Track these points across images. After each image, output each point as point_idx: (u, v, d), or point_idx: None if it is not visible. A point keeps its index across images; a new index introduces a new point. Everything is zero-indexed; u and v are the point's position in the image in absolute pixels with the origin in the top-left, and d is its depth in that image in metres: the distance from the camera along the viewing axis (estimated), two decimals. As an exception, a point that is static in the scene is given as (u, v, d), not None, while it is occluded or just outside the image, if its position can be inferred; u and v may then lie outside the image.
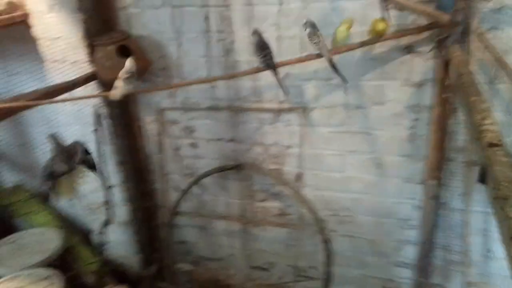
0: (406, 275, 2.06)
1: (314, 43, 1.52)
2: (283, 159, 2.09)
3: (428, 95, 1.68)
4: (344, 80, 1.61)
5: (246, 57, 1.88)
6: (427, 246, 1.88)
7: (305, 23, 1.53)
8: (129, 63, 1.68)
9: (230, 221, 2.38)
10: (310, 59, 1.60)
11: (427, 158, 1.76)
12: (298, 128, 1.97)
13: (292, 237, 2.26)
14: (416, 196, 1.88)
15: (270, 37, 1.73)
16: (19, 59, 2.47)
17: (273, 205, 2.23)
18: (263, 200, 2.25)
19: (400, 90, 1.72)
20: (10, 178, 3.13)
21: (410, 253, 2.01)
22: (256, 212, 2.29)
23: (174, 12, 1.94)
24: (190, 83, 2.03)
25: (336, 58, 1.57)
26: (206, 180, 2.30)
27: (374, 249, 2.09)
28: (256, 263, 2.46)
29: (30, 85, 2.39)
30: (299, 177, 2.08)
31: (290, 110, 1.95)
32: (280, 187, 2.16)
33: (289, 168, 2.10)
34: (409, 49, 1.65)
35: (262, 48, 1.58)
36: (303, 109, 1.92)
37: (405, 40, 1.63)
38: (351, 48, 1.59)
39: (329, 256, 2.11)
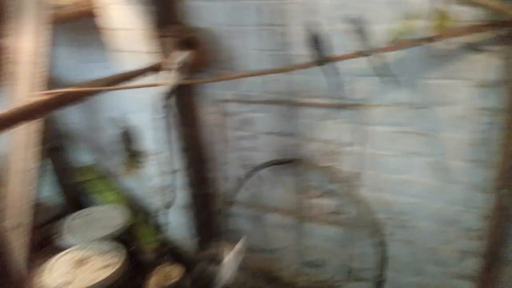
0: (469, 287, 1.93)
1: (360, 40, 1.48)
2: (340, 157, 2.04)
3: (501, 97, 1.54)
4: (383, 82, 1.53)
5: (303, 51, 1.85)
6: (492, 259, 1.74)
7: (351, 20, 1.48)
8: (181, 55, 1.75)
9: (284, 215, 2.39)
10: (354, 57, 1.55)
11: (497, 165, 1.62)
12: (357, 126, 1.91)
13: (347, 237, 2.21)
14: (483, 205, 1.74)
15: (325, 31, 1.70)
16: (91, 48, 2.67)
17: (329, 202, 2.20)
18: (318, 197, 2.23)
19: (468, 90, 1.60)
20: (86, 158, 3.42)
21: (472, 265, 1.87)
22: (311, 208, 2.28)
23: (231, 5, 1.97)
24: (241, 76, 2.06)
25: (396, 54, 1.50)
26: (263, 173, 2.33)
27: (433, 257, 1.97)
28: (309, 258, 2.45)
29: (99, 72, 2.58)
30: (356, 176, 2.03)
31: (349, 106, 1.90)
32: (336, 185, 2.13)
33: (347, 167, 2.05)
34: (475, 46, 1.52)
35: (315, 42, 1.56)
36: (364, 106, 1.86)
37: (471, 37, 1.50)
38: (411, 44, 1.51)
39: (383, 259, 2.04)
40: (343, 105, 1.91)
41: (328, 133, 2.02)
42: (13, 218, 2.29)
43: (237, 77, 2.11)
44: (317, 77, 1.90)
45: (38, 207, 2.59)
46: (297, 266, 2.52)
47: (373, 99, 1.83)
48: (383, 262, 2.05)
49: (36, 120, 2.05)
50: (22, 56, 2.01)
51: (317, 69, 1.74)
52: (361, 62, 1.72)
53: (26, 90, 1.99)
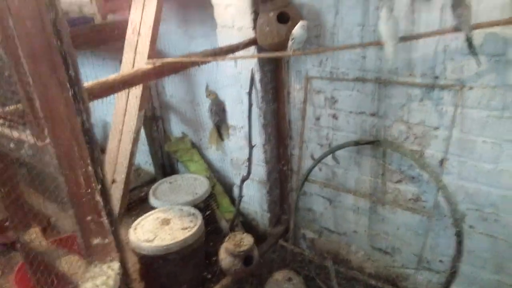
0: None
1: (457, 15, 1.39)
2: (427, 141, 1.96)
3: None
4: (478, 62, 1.42)
5: (403, 26, 1.81)
6: None
7: None
8: (300, 26, 1.82)
9: (359, 197, 2.36)
10: (445, 33, 1.46)
11: None
12: (450, 108, 1.82)
13: (423, 225, 2.11)
14: None
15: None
16: (197, 24, 2.89)
17: (408, 188, 2.12)
18: (397, 181, 2.16)
19: None
20: (178, 129, 3.71)
21: None
22: (388, 192, 2.22)
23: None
24: (340, 48, 2.07)
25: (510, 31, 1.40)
26: (341, 153, 2.32)
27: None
28: (379, 245, 2.40)
29: (204, 47, 2.78)
30: (442, 162, 1.93)
31: (444, 87, 1.81)
32: (419, 171, 2.04)
33: (432, 152, 1.96)
34: None
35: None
36: (460, 87, 1.75)
37: None
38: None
39: (460, 252, 1.92)
40: (439, 85, 1.82)
41: (418, 115, 1.94)
42: (110, 174, 2.61)
43: (333, 50, 2.12)
44: (415, 54, 1.84)
45: (134, 170, 2.89)
46: (368, 251, 2.47)
47: (469, 80, 1.72)
48: (458, 254, 1.92)
49: (141, 87, 2.30)
50: (138, 28, 2.26)
51: (417, 45, 1.70)
52: (460, 39, 1.64)
53: (137, 58, 2.24)
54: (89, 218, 1.00)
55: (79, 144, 0.95)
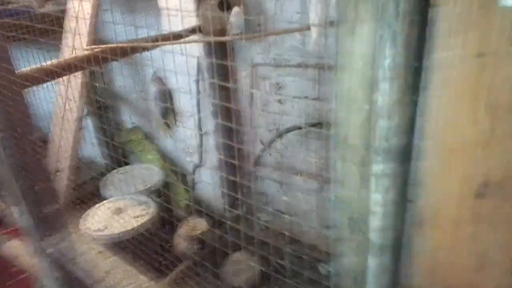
0: None
1: None
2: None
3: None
4: None
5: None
6: None
7: None
8: (235, 13, 1.85)
9: (307, 179, 2.47)
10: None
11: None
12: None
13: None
14: None
15: None
16: (143, 14, 2.85)
17: (350, 167, 2.25)
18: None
19: None
20: (129, 120, 3.67)
21: None
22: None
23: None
24: (282, 32, 2.13)
25: None
26: (289, 136, 2.42)
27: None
28: (330, 222, 2.53)
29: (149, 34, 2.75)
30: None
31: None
32: (359, 150, 2.17)
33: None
34: None
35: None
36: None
37: None
38: None
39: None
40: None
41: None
42: (57, 163, 2.54)
43: (275, 34, 2.18)
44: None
45: (86, 163, 2.83)
46: (319, 230, 2.61)
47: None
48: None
49: (81, 74, 2.25)
50: (74, 14, 2.21)
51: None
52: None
53: (79, 44, 2.19)
54: (37, 187, 1.00)
55: (23, 113, 0.95)
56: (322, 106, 2.21)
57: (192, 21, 2.34)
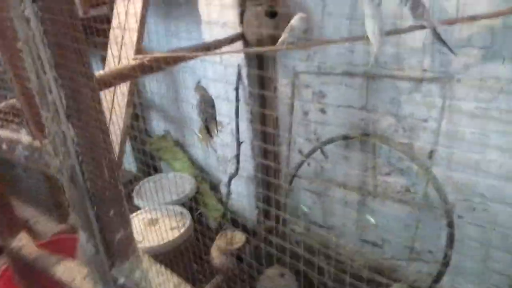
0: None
1: (417, 16, 1.43)
2: (416, 133, 1.99)
3: None
4: (451, 51, 1.45)
5: (391, 19, 1.83)
6: None
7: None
8: (299, 18, 1.79)
9: (348, 191, 2.38)
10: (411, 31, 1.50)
11: None
12: (439, 101, 1.85)
13: (413, 217, 2.16)
14: None
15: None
16: (180, 20, 2.83)
17: (397, 180, 2.16)
18: (387, 174, 2.19)
19: None
20: (160, 127, 3.64)
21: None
22: (377, 185, 2.25)
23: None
24: (328, 42, 2.07)
25: (496, 22, 1.43)
26: (330, 147, 2.34)
27: (505, 243, 1.86)
28: (369, 237, 2.43)
29: (187, 43, 2.72)
30: (429, 154, 1.97)
31: (432, 80, 1.84)
32: (408, 163, 2.08)
33: (421, 144, 1.99)
34: None
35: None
36: (448, 80, 1.79)
37: None
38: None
39: (451, 242, 1.97)
40: (428, 78, 1.85)
41: (407, 108, 1.97)
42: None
43: (321, 44, 2.12)
44: (403, 47, 1.86)
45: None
46: (357, 244, 2.51)
47: (457, 72, 1.76)
48: (450, 244, 1.97)
49: (128, 83, 2.23)
50: (123, 22, 2.19)
51: (405, 38, 1.72)
52: (456, 32, 1.67)
53: (123, 54, 2.17)
54: (112, 212, 0.95)
55: (104, 132, 0.89)
56: (368, 116, 2.13)
57: (235, 28, 2.29)
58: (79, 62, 0.78)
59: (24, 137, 0.95)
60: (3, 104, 1.02)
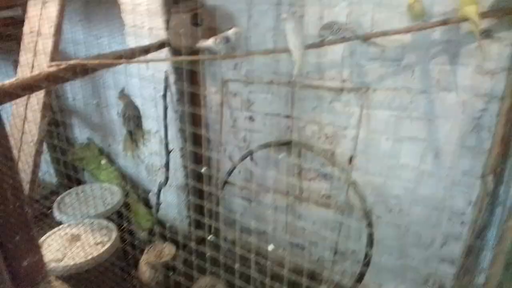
0: (450, 270, 1.99)
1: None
2: (337, 140, 2.10)
3: (501, 85, 1.60)
4: (387, 65, 1.57)
5: (315, 31, 1.90)
6: (476, 244, 1.80)
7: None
8: (234, 30, 1.79)
9: (277, 196, 2.44)
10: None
11: (489, 152, 1.69)
12: (357, 109, 1.97)
13: (336, 220, 2.26)
14: (473, 192, 1.80)
15: (341, 14, 1.76)
16: (103, 23, 2.70)
17: (321, 185, 2.25)
18: (311, 179, 2.28)
19: (470, 77, 1.65)
20: (83, 135, 3.43)
21: (457, 249, 1.94)
22: (303, 190, 2.33)
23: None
24: (246, 55, 2.11)
25: (402, 38, 1.56)
26: (259, 154, 2.38)
27: (419, 241, 2.04)
28: (297, 240, 2.50)
29: (109, 48, 2.60)
30: (351, 159, 2.08)
31: (351, 90, 1.95)
32: (331, 168, 2.18)
33: (342, 150, 2.10)
34: (487, 33, 1.57)
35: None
36: (365, 90, 1.91)
37: (484, 24, 1.55)
38: (421, 27, 1.57)
39: (371, 241, 2.10)
40: (343, 88, 1.96)
41: (328, 116, 2.07)
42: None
43: (243, 56, 2.15)
44: (324, 59, 1.95)
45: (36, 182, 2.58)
46: (286, 248, 2.57)
47: (373, 83, 1.88)
48: (371, 244, 2.10)
49: (44, 91, 2.06)
50: (37, 27, 2.02)
51: (326, 50, 1.80)
52: (371, 46, 1.79)
53: (39, 61, 2.00)
54: (17, 238, 0.85)
55: (7, 156, 0.80)
56: (294, 123, 2.20)
57: (161, 34, 2.24)
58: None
59: None
60: None
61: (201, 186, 2.77)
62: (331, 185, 2.22)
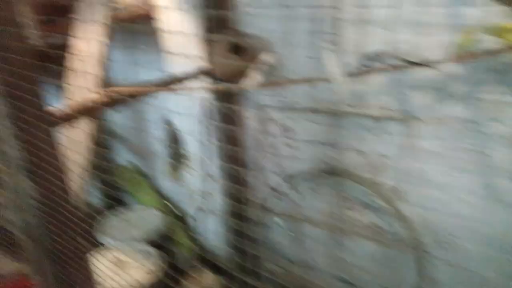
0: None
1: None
2: (381, 170, 2.02)
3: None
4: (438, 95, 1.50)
5: (356, 59, 1.88)
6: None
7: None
8: (267, 57, 1.81)
9: (320, 227, 2.36)
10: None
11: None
12: (402, 139, 1.89)
13: (384, 254, 2.16)
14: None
15: (380, 41, 1.73)
16: (144, 51, 2.79)
17: (368, 217, 2.16)
18: (355, 210, 2.20)
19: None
20: (124, 157, 3.52)
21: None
22: (346, 221, 2.25)
23: (285, 12, 2.02)
24: (287, 83, 2.09)
25: (453, 67, 1.51)
26: (299, 181, 2.33)
27: (478, 282, 1.89)
28: (343, 275, 2.40)
29: (150, 75, 2.68)
30: (397, 190, 2.00)
31: (395, 118, 1.89)
32: (376, 199, 2.10)
33: (387, 180, 2.01)
34: None
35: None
36: (410, 119, 1.84)
37: None
38: (471, 57, 1.51)
39: (421, 278, 1.98)
40: (389, 117, 1.90)
41: (371, 145, 2.00)
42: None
43: (284, 84, 2.15)
44: (365, 86, 1.91)
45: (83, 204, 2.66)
46: (330, 282, 2.47)
47: (418, 111, 1.81)
48: (421, 283, 1.98)
49: (91, 116, 2.14)
50: (82, 54, 2.13)
51: (359, 78, 1.76)
52: (415, 73, 1.74)
53: (84, 88, 2.09)
54: (72, 269, 0.86)
55: (63, 183, 0.82)
56: (334, 151, 2.14)
57: (200, 61, 2.28)
58: (38, 112, 0.73)
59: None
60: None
61: (240, 213, 2.76)
62: (377, 217, 2.13)
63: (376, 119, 1.93)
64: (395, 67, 1.68)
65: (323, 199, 2.29)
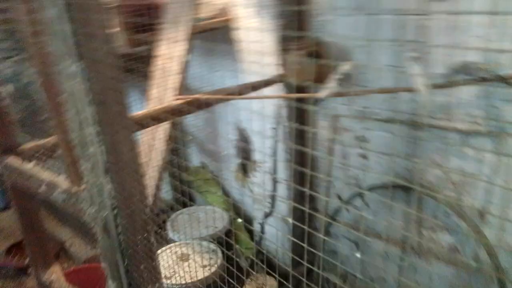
0: None
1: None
2: (466, 189, 1.86)
3: None
4: None
5: (439, 69, 1.75)
6: None
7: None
8: (346, 65, 1.77)
9: (389, 244, 2.24)
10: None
11: None
12: (492, 156, 1.72)
13: (460, 279, 1.98)
14: None
15: (475, 52, 1.59)
16: (220, 57, 2.88)
17: (444, 237, 2.01)
18: (432, 230, 2.05)
19: None
20: (198, 159, 3.67)
21: None
22: (421, 240, 2.10)
23: (367, 19, 1.95)
24: (367, 92, 2.01)
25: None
26: (371, 195, 2.23)
27: None
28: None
29: (227, 82, 2.77)
30: (482, 212, 1.82)
31: (484, 133, 1.72)
32: (456, 220, 1.93)
33: (471, 200, 1.85)
34: None
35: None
36: (502, 134, 1.67)
37: None
38: None
39: (505, 313, 1.78)
40: (478, 131, 1.74)
41: (455, 161, 1.85)
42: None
43: (362, 94, 2.07)
44: (445, 98, 1.77)
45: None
46: (397, 302, 2.33)
47: (511, 126, 1.64)
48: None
49: (169, 122, 2.27)
50: (165, 61, 2.26)
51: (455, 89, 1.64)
52: (502, 85, 1.58)
53: (166, 95, 2.23)
54: (142, 266, 0.92)
55: (141, 186, 0.88)
56: (413, 166, 2.01)
57: (275, 69, 2.29)
58: (121, 117, 0.78)
59: (63, 181, 0.96)
60: (44, 141, 1.04)
61: (307, 221, 2.71)
62: (457, 239, 1.96)
63: (463, 133, 1.78)
64: (485, 80, 1.53)
65: (397, 215, 2.16)
